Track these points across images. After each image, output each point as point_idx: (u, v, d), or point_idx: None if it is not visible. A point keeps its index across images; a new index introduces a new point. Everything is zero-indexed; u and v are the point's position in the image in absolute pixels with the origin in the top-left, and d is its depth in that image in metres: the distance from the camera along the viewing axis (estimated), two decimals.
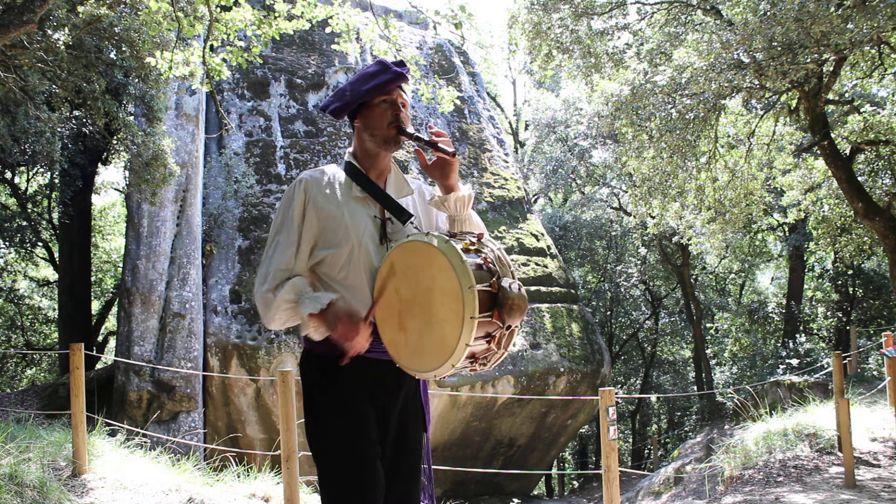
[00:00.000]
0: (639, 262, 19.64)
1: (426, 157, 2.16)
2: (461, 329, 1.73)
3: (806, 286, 19.04)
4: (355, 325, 1.87)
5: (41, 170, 13.46)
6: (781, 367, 13.97)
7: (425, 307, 1.84)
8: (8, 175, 13.57)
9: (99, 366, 13.50)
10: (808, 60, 6.86)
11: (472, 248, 1.85)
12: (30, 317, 17.44)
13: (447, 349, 1.77)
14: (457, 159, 2.09)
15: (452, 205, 2.09)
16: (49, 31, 6.20)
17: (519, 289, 1.81)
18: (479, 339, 1.78)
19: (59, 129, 8.10)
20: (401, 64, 2.12)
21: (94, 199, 15.40)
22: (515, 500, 10.75)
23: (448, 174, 2.09)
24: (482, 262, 1.81)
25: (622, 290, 19.67)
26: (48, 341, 17.31)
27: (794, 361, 13.53)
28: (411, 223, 2.11)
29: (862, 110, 9.66)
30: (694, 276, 19.42)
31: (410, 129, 2.10)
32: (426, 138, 2.07)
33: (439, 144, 2.05)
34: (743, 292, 22.28)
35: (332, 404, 2.01)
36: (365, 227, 2.04)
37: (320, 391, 2.03)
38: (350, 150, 2.19)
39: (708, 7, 9.22)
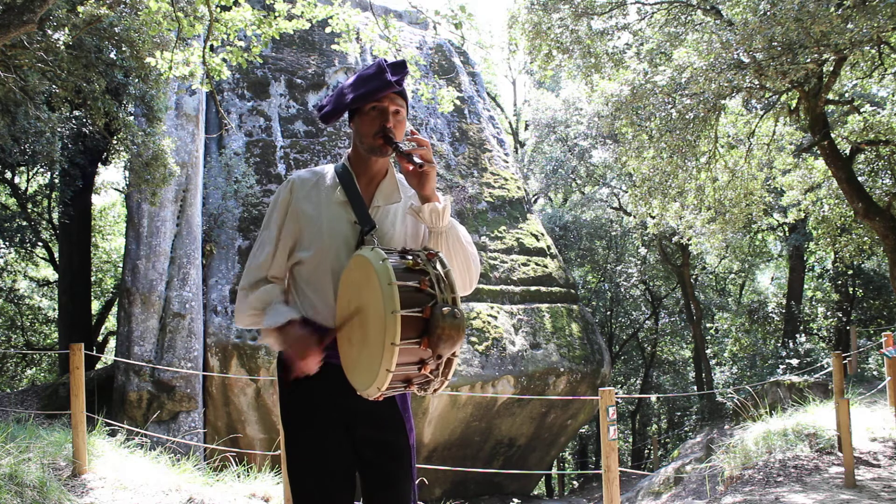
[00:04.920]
0: (639, 262, 19.63)
1: (406, 165, 2.04)
2: (382, 354, 1.66)
3: (806, 286, 19.02)
4: (305, 350, 1.85)
5: (41, 170, 13.47)
6: (781, 367, 13.95)
7: (363, 325, 1.78)
8: (8, 175, 13.57)
9: (99, 366, 13.50)
10: (808, 60, 6.86)
11: (416, 267, 1.76)
12: (30, 317, 17.44)
13: (373, 371, 1.71)
14: (433, 168, 1.98)
15: (427, 216, 2.00)
16: (49, 31, 6.20)
17: (455, 316, 1.69)
18: (409, 364, 1.71)
19: (59, 129, 8.09)
20: (400, 67, 2.02)
21: (94, 199, 15.42)
22: (515, 500, 10.74)
23: (423, 184, 1.97)
24: (418, 284, 1.71)
25: (622, 290, 19.67)
26: (48, 341, 17.31)
27: (794, 361, 13.52)
28: (373, 235, 2.03)
29: (862, 110, 9.65)
30: (694, 276, 19.41)
31: (402, 143, 2.00)
32: (404, 148, 1.98)
33: (414, 157, 1.94)
34: (743, 292, 22.27)
35: (294, 412, 2.01)
36: (341, 232, 1.99)
37: (287, 397, 2.03)
38: (348, 151, 2.14)
39: (708, 7, 9.21)
